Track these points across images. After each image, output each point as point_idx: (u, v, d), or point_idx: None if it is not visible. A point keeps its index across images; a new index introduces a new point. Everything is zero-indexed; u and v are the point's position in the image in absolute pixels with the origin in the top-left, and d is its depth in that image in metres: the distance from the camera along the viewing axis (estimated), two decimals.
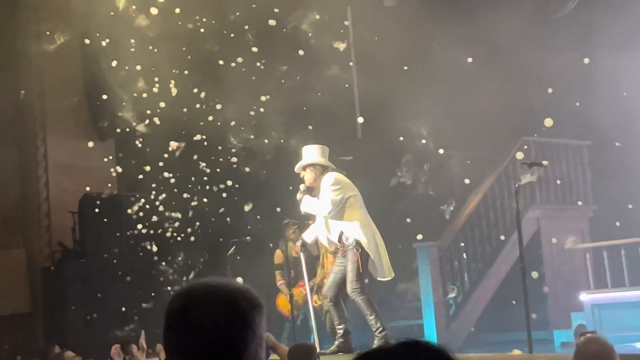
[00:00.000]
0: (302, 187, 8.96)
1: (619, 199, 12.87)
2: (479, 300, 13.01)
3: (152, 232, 12.83)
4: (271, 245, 12.32)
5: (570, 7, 13.49)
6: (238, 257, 11.60)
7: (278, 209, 12.24)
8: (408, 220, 12.75)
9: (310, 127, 11.95)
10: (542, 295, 13.10)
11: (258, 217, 12.41)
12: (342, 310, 8.98)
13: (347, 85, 13.12)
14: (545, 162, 8.82)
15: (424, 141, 12.12)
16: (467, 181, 12.70)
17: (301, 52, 12.16)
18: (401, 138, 12.08)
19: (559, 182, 13.83)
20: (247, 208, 11.98)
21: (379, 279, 8.96)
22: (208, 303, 2.01)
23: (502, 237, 13.30)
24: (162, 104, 11.93)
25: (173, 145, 11.91)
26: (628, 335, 11.17)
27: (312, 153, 9.01)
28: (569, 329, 12.11)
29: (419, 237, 12.46)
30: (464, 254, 13.23)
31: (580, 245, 13.06)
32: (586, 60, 11.69)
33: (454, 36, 12.28)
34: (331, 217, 8.76)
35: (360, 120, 12.87)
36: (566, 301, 13.01)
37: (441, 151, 12.28)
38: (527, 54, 12.81)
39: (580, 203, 14.06)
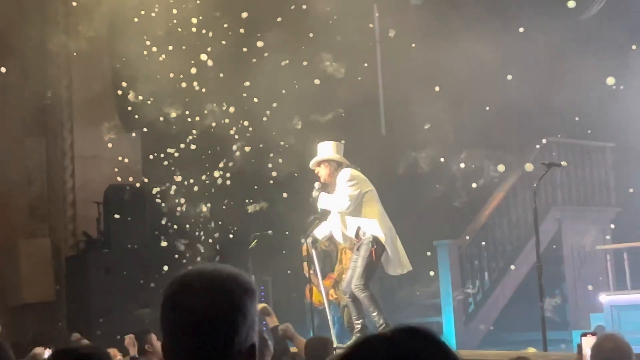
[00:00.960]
0: (316, 185, 9.00)
1: None
2: (498, 299, 13.04)
3: (176, 224, 12.95)
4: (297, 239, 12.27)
5: (597, 8, 13.52)
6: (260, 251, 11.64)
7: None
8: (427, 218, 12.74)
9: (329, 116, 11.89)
10: (562, 295, 13.10)
11: (283, 211, 12.41)
12: (359, 306, 8.97)
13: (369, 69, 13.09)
14: (564, 163, 8.84)
15: (446, 141, 12.14)
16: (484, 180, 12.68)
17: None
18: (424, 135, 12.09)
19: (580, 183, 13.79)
20: (257, 206, 11.99)
21: (391, 273, 8.98)
22: (200, 288, 2.07)
23: (522, 238, 13.31)
24: (187, 98, 12.03)
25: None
26: None
27: (327, 149, 9.03)
28: (588, 329, 12.01)
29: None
30: (485, 253, 13.24)
31: (600, 247, 13.03)
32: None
33: (479, 35, 12.34)
34: (348, 212, 8.80)
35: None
36: (586, 302, 13.03)
37: (463, 152, 12.27)
38: (553, 54, 12.86)
39: (601, 204, 14.03)
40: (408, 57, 12.55)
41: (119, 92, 13.10)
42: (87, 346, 2.39)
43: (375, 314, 8.71)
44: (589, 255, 13.48)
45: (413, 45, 12.42)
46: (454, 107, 12.23)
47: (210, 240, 13.09)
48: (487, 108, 12.35)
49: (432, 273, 12.76)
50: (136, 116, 12.82)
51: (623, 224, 13.56)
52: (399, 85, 12.79)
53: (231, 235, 13.12)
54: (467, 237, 13.01)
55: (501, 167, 12.19)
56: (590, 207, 14.01)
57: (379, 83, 14.60)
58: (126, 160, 13.34)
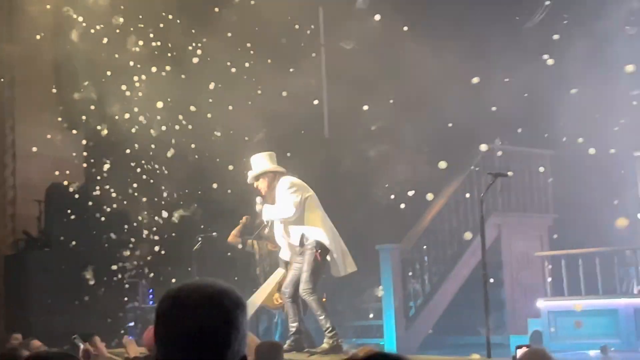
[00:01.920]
0: (258, 199, 9.10)
1: (579, 208, 13.03)
2: (438, 302, 13.18)
3: (117, 223, 12.88)
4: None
5: (539, 17, 13.76)
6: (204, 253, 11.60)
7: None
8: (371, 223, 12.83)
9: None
10: (500, 300, 13.29)
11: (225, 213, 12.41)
12: (297, 309, 9.04)
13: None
14: (510, 173, 8.98)
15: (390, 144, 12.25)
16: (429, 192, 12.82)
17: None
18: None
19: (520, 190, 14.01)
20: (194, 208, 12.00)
21: (337, 275, 9.02)
22: (194, 303, 2.14)
23: (463, 242, 13.48)
24: (136, 98, 11.97)
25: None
26: (582, 342, 11.45)
27: (261, 162, 9.07)
28: (525, 334, 12.24)
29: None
30: (426, 257, 13.37)
31: (539, 253, 13.27)
32: (550, 61, 11.79)
33: (422, 40, 12.48)
34: (292, 221, 8.84)
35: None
36: (523, 307, 13.21)
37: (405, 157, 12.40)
38: (496, 61, 13.05)
39: (539, 211, 14.29)
40: (352, 60, 12.61)
41: (62, 91, 12.98)
42: (57, 352, 2.41)
43: (322, 317, 8.76)
44: (527, 261, 13.68)
45: (357, 47, 12.50)
46: (398, 112, 12.33)
47: (153, 240, 13.00)
48: (431, 113, 12.48)
49: (374, 277, 12.80)
50: (82, 116, 12.72)
51: (561, 230, 13.80)
52: (342, 87, 12.83)
53: (174, 234, 13.04)
54: (409, 242, 13.13)
55: (442, 166, 12.31)
56: (529, 214, 14.25)
57: (323, 85, 14.64)
58: (68, 159, 13.21)
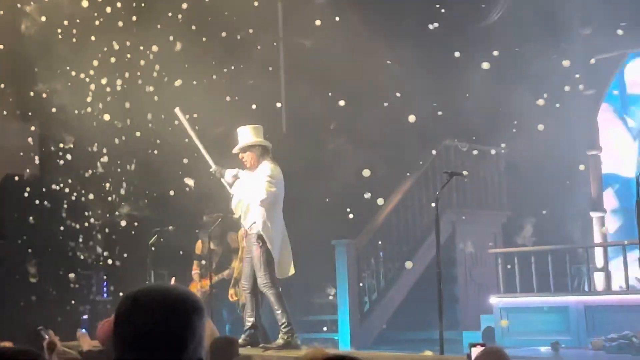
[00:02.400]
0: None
1: (533, 206, 13.16)
2: (393, 298, 13.24)
3: (72, 215, 12.78)
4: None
5: (495, 17, 13.91)
6: (159, 246, 11.53)
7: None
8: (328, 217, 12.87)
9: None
10: (453, 296, 13.39)
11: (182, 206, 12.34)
12: (256, 303, 9.02)
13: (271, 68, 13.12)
14: (465, 172, 9.06)
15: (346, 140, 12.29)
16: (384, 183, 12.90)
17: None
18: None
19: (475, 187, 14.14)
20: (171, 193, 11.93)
21: (278, 276, 8.92)
22: (152, 306, 2.20)
23: (418, 238, 13.61)
24: (90, 90, 11.89)
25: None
26: (533, 339, 11.63)
27: (250, 134, 8.91)
28: (477, 330, 12.37)
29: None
30: (381, 253, 13.42)
31: (492, 250, 13.40)
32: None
33: (380, 39, 12.54)
34: (255, 206, 8.77)
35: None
36: (476, 303, 13.35)
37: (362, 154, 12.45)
38: (450, 60, 13.14)
39: (493, 208, 14.45)
40: (310, 55, 12.64)
41: (16, 83, 12.83)
42: (21, 349, 2.46)
43: (279, 312, 8.75)
44: (481, 258, 13.82)
45: (316, 43, 12.52)
46: (355, 109, 12.36)
47: (108, 234, 12.93)
48: (386, 107, 12.52)
49: (330, 271, 12.88)
50: (36, 109, 12.59)
51: (514, 227, 13.84)
52: (300, 83, 12.84)
53: (131, 229, 12.95)
54: (365, 237, 13.17)
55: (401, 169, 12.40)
56: (484, 211, 14.36)
57: (281, 80, 14.62)
58: (22, 152, 13.07)
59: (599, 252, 13.36)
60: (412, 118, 11.63)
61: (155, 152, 12.56)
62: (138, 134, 12.46)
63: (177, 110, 9.42)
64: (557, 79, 12.82)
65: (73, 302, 13.01)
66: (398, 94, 12.49)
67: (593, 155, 14.26)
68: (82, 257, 12.72)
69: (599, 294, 12.31)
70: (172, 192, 11.84)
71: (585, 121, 13.94)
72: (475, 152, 14.11)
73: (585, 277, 12.65)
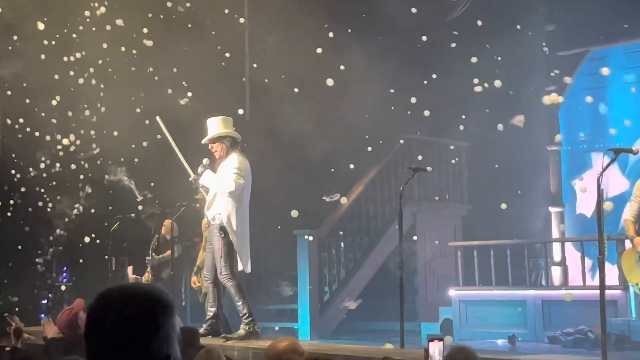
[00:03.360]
0: (205, 161, 8.90)
1: (493, 200, 13.14)
2: (353, 289, 13.27)
3: (32, 203, 12.71)
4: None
5: (460, 10, 14.00)
6: (120, 233, 11.56)
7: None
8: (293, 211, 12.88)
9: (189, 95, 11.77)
10: (413, 287, 13.50)
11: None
12: (218, 294, 9.01)
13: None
14: (429, 168, 9.15)
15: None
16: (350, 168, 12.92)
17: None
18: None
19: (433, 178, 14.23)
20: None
21: (239, 270, 8.91)
22: (119, 304, 2.26)
23: (379, 230, 13.71)
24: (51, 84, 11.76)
25: None
26: (491, 332, 11.74)
27: (220, 125, 8.86)
28: (436, 322, 12.52)
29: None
30: (342, 243, 13.49)
31: (453, 243, 13.51)
32: (474, 60, 12.01)
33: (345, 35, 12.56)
34: (221, 197, 8.75)
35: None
36: (435, 295, 13.50)
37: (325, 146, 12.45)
38: (414, 52, 13.19)
39: (454, 201, 14.57)
40: (275, 44, 12.63)
41: None
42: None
43: (240, 303, 8.74)
44: (441, 250, 13.93)
45: (276, 33, 12.49)
46: (316, 99, 12.35)
47: (71, 222, 12.84)
48: (351, 101, 12.48)
49: (291, 261, 12.96)
50: None
51: (474, 221, 14.07)
52: (264, 71, 12.81)
53: (94, 217, 12.88)
54: (327, 227, 13.21)
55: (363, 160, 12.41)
56: (444, 203, 14.47)
57: (246, 67, 14.52)
58: None
59: (556, 247, 13.47)
60: (373, 108, 11.66)
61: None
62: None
63: (157, 118, 9.37)
64: (519, 74, 12.99)
65: (34, 287, 12.89)
66: (361, 87, 12.47)
67: (553, 150, 14.39)
68: (42, 240, 12.61)
69: (556, 288, 12.41)
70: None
71: (546, 116, 14.05)
72: (437, 145, 14.20)
73: (543, 272, 12.78)
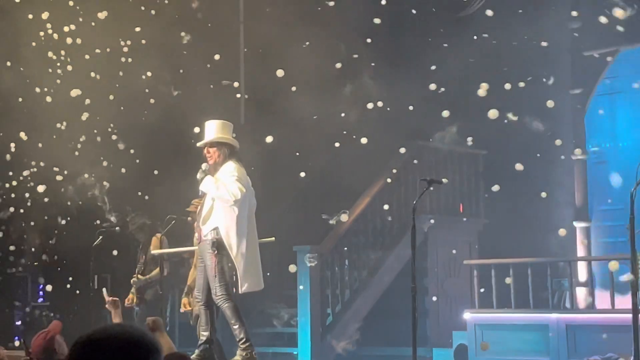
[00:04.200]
0: (204, 166, 8.40)
1: (512, 214, 12.68)
2: (358, 310, 12.58)
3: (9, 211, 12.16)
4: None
5: (476, 6, 13.50)
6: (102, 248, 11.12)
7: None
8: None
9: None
10: (423, 309, 12.83)
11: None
12: (211, 316, 8.53)
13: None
14: (445, 180, 8.68)
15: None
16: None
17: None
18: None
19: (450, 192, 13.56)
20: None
21: (239, 291, 8.39)
22: (108, 349, 2.25)
23: (387, 246, 13.04)
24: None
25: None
26: (510, 359, 11.25)
27: (220, 130, 8.45)
28: (449, 347, 11.94)
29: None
30: (347, 261, 12.79)
31: (467, 261, 12.76)
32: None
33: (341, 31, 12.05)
34: (220, 209, 8.23)
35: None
36: (448, 318, 12.84)
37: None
38: (424, 54, 12.75)
39: (469, 215, 13.84)
40: (270, 43, 12.17)
41: None
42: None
43: (236, 326, 8.27)
44: (455, 269, 13.25)
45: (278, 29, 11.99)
46: (318, 102, 11.81)
47: (51, 233, 12.44)
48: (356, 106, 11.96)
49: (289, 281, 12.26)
50: None
51: (491, 236, 13.31)
52: (261, 71, 12.25)
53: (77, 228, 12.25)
54: (330, 243, 12.49)
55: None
56: (459, 217, 13.64)
57: (241, 67, 14.07)
58: None
59: (582, 267, 12.76)
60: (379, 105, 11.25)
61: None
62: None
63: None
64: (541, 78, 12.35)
65: (6, 307, 12.39)
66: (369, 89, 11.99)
67: (578, 160, 13.52)
68: (14, 258, 12.05)
69: (582, 312, 11.85)
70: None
71: (571, 123, 13.38)
72: (451, 153, 13.47)
73: (567, 293, 12.16)
